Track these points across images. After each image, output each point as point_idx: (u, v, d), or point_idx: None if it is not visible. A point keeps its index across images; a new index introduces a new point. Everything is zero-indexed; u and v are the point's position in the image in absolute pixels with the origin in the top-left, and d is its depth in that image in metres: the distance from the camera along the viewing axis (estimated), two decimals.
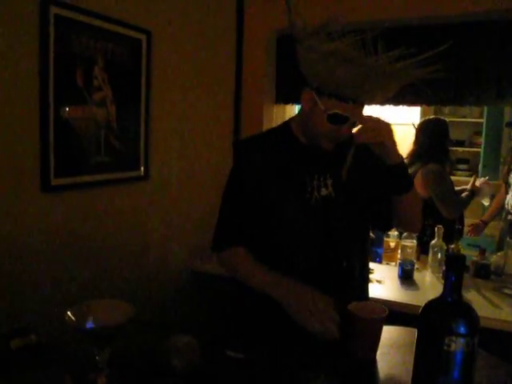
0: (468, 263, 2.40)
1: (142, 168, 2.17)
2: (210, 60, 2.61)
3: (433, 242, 2.39)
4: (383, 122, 1.25)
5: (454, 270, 0.91)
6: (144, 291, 2.20)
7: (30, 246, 1.67)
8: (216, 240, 1.42)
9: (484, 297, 2.11)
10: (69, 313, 0.98)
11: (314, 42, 1.20)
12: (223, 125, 2.81)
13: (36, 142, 1.67)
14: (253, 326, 1.39)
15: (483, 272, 2.31)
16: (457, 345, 0.88)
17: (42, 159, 1.69)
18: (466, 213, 3.13)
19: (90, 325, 1.02)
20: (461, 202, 2.84)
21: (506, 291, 2.15)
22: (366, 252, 1.50)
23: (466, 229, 3.17)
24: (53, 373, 0.91)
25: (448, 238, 2.44)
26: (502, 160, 4.60)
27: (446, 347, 0.88)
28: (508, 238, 2.31)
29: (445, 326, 0.90)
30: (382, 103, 2.33)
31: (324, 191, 1.33)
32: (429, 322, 0.93)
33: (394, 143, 1.27)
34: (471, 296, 2.10)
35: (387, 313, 1.17)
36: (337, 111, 1.22)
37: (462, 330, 0.89)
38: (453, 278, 0.92)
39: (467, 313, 0.92)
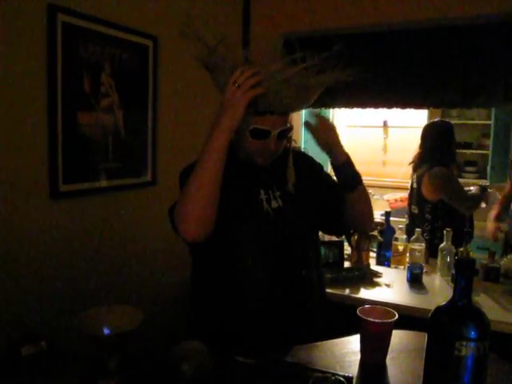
0: (477, 266, 2.38)
1: (150, 173, 2.18)
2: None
3: (442, 245, 2.38)
4: (328, 122, 1.34)
5: (463, 274, 0.90)
6: (153, 297, 2.20)
7: (39, 253, 1.68)
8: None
9: (494, 300, 2.09)
10: (78, 319, 0.99)
11: (221, 61, 1.25)
12: None
13: (44, 148, 1.69)
14: (261, 331, 1.38)
15: (493, 275, 2.29)
16: (467, 349, 0.88)
17: (51, 166, 1.70)
18: (475, 216, 3.11)
19: (100, 331, 1.02)
20: (475, 197, 2.83)
21: None
22: (319, 257, 1.49)
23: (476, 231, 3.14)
24: (63, 379, 0.92)
25: (457, 241, 2.42)
26: (510, 162, 4.56)
27: (456, 352, 0.88)
28: None
29: (455, 330, 0.89)
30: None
31: (274, 203, 1.32)
32: (439, 327, 0.93)
33: (338, 142, 1.32)
34: (481, 299, 2.08)
35: (396, 317, 1.16)
36: (256, 126, 1.23)
37: (473, 334, 0.88)
38: (463, 282, 0.91)
39: (477, 317, 0.91)
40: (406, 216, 3.01)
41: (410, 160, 2.94)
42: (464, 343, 0.88)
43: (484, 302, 2.06)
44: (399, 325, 1.21)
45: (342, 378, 1.03)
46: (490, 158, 4.59)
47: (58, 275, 1.75)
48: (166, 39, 2.21)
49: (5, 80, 1.57)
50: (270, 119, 1.23)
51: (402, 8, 2.48)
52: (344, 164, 1.33)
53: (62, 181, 1.74)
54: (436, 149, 2.76)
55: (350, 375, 1.08)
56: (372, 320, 1.14)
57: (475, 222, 3.10)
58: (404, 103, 2.71)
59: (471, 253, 2.36)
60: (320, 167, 1.50)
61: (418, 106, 2.74)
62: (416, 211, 2.84)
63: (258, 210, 1.30)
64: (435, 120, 3.01)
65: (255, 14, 2.85)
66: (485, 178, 4.77)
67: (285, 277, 1.33)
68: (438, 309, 0.95)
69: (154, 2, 2.14)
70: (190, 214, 1.17)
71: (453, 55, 2.46)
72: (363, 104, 2.84)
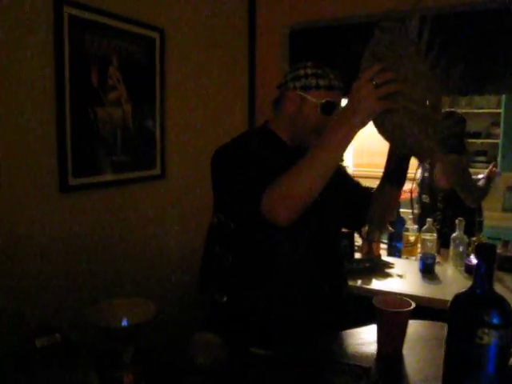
0: None
1: (159, 167, 2.16)
2: (223, 56, 2.59)
3: (454, 234, 2.35)
4: None
5: (484, 259, 0.88)
6: (163, 291, 2.20)
7: (49, 247, 1.68)
8: (251, 199, 1.21)
9: (509, 289, 2.06)
10: (90, 311, 0.98)
11: None
12: (238, 122, 2.79)
13: (53, 142, 1.68)
14: (275, 323, 1.37)
15: (508, 265, 2.27)
16: (490, 337, 0.85)
17: (60, 159, 1.69)
18: (484, 204, 3.08)
19: (114, 322, 1.01)
20: (482, 188, 2.80)
21: None
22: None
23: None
24: (79, 371, 0.91)
25: (468, 231, 2.40)
26: None
27: (478, 340, 0.85)
28: None
29: (476, 317, 0.87)
30: None
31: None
32: (459, 315, 0.91)
33: None
34: (497, 289, 2.05)
35: (413, 306, 1.14)
36: (328, 99, 1.31)
37: (495, 320, 0.86)
38: (483, 268, 0.89)
39: (499, 303, 0.89)
40: (417, 206, 2.98)
41: None
42: (486, 330, 0.85)
43: (500, 292, 2.03)
44: (414, 315, 1.20)
45: (358, 370, 1.02)
46: (500, 146, 4.54)
47: (68, 269, 1.75)
48: (172, 31, 2.19)
49: (13, 74, 1.56)
50: (337, 94, 1.33)
51: None
52: (404, 157, 1.31)
53: (71, 174, 1.73)
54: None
55: (368, 366, 1.06)
56: (389, 309, 1.12)
57: (485, 213, 3.07)
58: None
59: (483, 241, 2.33)
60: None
61: None
62: (427, 200, 2.81)
63: None
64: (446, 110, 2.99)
65: (261, 4, 2.82)
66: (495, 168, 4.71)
67: (322, 256, 1.40)
68: (458, 296, 0.93)
69: None
70: (294, 202, 1.13)
71: (463, 41, 2.42)
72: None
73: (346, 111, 1.07)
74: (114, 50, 1.89)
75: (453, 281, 2.20)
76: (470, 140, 4.47)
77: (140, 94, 2.04)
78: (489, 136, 4.68)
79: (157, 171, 2.16)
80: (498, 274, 2.25)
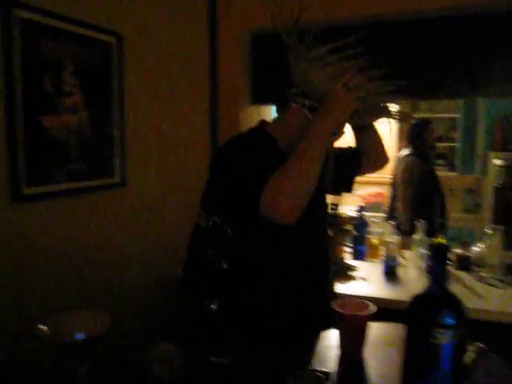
0: (452, 257, 2.41)
1: (119, 174, 2.11)
2: (184, 62, 2.57)
3: (415, 236, 2.39)
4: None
5: (437, 260, 0.89)
6: (127, 300, 2.14)
7: (1, 258, 1.61)
8: (251, 198, 1.23)
9: (468, 288, 2.11)
10: (41, 326, 0.94)
11: (302, 48, 1.27)
12: (200, 128, 2.77)
13: (4, 150, 1.61)
14: (237, 331, 1.35)
15: (466, 264, 2.32)
16: (445, 337, 0.86)
17: (12, 168, 1.63)
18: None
19: (67, 336, 0.97)
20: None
21: (491, 281, 2.16)
22: None
23: None
24: None
25: (431, 233, 2.44)
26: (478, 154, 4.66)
27: (433, 340, 0.86)
28: (491, 228, 2.31)
29: (431, 318, 0.88)
30: None
31: None
32: (416, 315, 0.91)
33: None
34: (456, 289, 2.09)
35: (373, 309, 1.15)
36: None
37: (449, 321, 0.87)
38: (437, 268, 0.90)
39: (453, 304, 0.90)
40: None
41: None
42: (440, 331, 0.86)
43: (459, 290, 2.07)
44: (377, 317, 1.20)
45: (320, 374, 1.01)
46: (458, 150, 4.67)
47: (20, 281, 1.68)
48: (130, 37, 2.14)
49: None
50: None
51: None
52: None
53: (24, 183, 1.66)
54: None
55: (329, 370, 1.06)
56: (348, 313, 1.12)
57: (451, 214, 3.16)
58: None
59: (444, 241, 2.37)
60: None
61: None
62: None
63: None
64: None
65: (222, 9, 2.81)
66: (454, 171, 4.85)
67: (313, 246, 1.43)
68: (415, 297, 0.94)
69: None
70: (296, 202, 1.17)
71: (421, 47, 2.48)
72: None
73: (327, 109, 1.21)
74: (69, 55, 1.83)
75: (415, 282, 2.23)
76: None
77: (97, 100, 1.99)
78: (448, 140, 4.81)
79: (116, 179, 2.11)
80: (459, 273, 2.30)
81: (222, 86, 2.83)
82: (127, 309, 2.14)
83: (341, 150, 1.63)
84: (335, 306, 1.16)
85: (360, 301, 1.20)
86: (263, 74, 2.93)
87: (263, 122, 1.46)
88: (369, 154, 1.63)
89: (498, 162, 4.12)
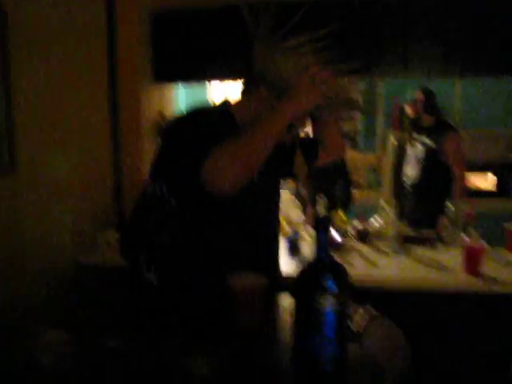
0: (351, 231, 2.54)
1: (7, 158, 1.96)
2: (79, 42, 2.43)
3: (314, 211, 2.48)
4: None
5: (319, 230, 0.93)
6: (25, 289, 2.02)
7: None
8: (193, 167, 1.22)
9: (366, 258, 2.24)
10: None
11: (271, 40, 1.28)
12: (99, 110, 2.66)
13: None
14: (137, 315, 1.33)
15: (364, 236, 2.46)
16: (328, 302, 0.90)
17: None
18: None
19: None
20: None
21: (383, 249, 2.32)
22: None
23: None
24: None
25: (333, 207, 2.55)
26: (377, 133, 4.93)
27: (317, 305, 0.90)
28: (384, 202, 2.47)
29: (314, 285, 0.91)
30: None
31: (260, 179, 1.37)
32: (301, 283, 0.95)
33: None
34: (355, 259, 2.23)
35: (265, 282, 1.17)
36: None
37: (332, 287, 0.91)
38: (320, 239, 0.94)
39: (336, 271, 0.94)
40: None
41: None
42: (324, 296, 0.90)
43: (355, 260, 2.21)
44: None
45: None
46: (360, 130, 4.91)
47: None
48: (18, 15, 1.97)
49: None
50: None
51: None
52: None
53: None
54: None
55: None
56: (236, 287, 1.14)
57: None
58: None
59: (343, 217, 2.50)
60: None
61: None
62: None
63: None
64: None
65: None
66: (357, 149, 5.09)
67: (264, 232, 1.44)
68: (303, 266, 0.97)
69: None
70: (237, 175, 1.19)
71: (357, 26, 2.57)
72: None
73: (290, 98, 1.24)
74: None
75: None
76: None
77: None
78: (350, 120, 5.03)
79: (3, 163, 1.96)
80: (358, 245, 2.44)
81: (121, 66, 2.73)
82: (27, 297, 2.02)
83: (299, 138, 1.64)
84: (231, 281, 1.17)
85: (254, 275, 1.21)
86: (166, 52, 2.87)
87: (226, 102, 1.45)
88: (325, 144, 1.62)
89: (394, 141, 4.38)
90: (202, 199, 1.25)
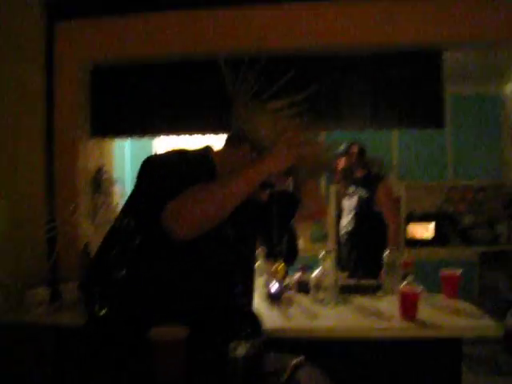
0: (292, 282, 2.53)
1: None
2: (16, 94, 2.41)
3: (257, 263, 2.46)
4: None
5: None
6: None
7: None
8: (159, 203, 1.23)
9: (304, 309, 2.22)
10: None
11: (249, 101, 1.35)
12: (34, 164, 2.59)
13: None
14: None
15: (304, 287, 2.45)
16: (241, 349, 0.88)
17: None
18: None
19: None
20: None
21: (324, 302, 2.30)
22: None
23: None
24: None
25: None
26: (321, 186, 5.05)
27: (231, 352, 0.88)
28: (324, 254, 2.46)
29: (228, 331, 0.89)
30: None
31: (231, 230, 1.40)
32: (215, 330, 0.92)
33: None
34: (294, 310, 2.20)
35: (183, 335, 1.12)
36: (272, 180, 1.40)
37: (245, 334, 0.89)
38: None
39: (250, 318, 0.93)
40: None
41: None
42: (237, 343, 0.88)
43: (296, 312, 2.18)
44: None
45: None
46: None
47: None
48: None
49: None
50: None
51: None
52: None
53: None
54: None
55: None
56: (159, 339, 1.09)
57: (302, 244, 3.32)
58: None
59: (283, 268, 2.49)
60: None
61: None
62: None
63: (221, 231, 1.34)
64: None
65: (59, 37, 2.71)
66: None
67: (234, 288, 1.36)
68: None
69: None
70: (195, 221, 1.21)
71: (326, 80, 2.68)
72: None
73: (265, 159, 1.29)
74: None
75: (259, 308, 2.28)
76: None
77: None
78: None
79: None
80: (297, 296, 2.42)
81: (58, 119, 2.71)
82: None
83: (280, 193, 1.67)
84: (152, 334, 1.12)
85: (177, 328, 1.17)
86: (104, 106, 2.88)
87: (208, 148, 1.48)
88: (304, 204, 1.68)
89: (335, 193, 4.50)
90: (164, 240, 1.23)
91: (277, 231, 1.69)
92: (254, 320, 0.93)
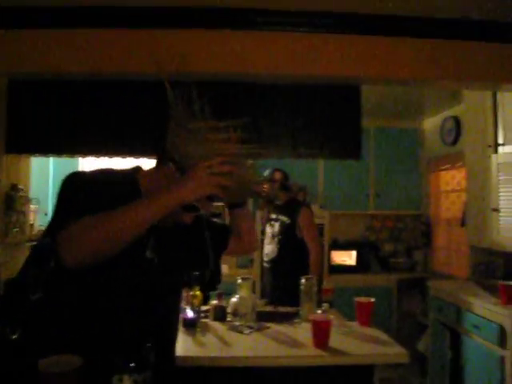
0: (209, 309, 2.49)
1: None
2: None
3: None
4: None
5: None
6: None
7: None
8: (61, 224, 1.16)
9: (219, 337, 2.18)
10: None
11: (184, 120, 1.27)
12: None
13: None
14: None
15: (221, 314, 2.41)
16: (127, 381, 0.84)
17: None
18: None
19: None
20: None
21: (240, 329, 2.27)
22: None
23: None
24: None
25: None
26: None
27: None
28: (240, 281, 2.44)
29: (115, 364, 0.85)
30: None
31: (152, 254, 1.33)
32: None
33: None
34: (208, 338, 2.15)
35: (77, 367, 1.05)
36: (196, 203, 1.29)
37: (130, 366, 0.85)
38: None
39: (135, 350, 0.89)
40: None
41: None
42: (122, 376, 0.83)
43: (210, 340, 2.13)
44: None
45: None
46: None
47: None
48: None
49: None
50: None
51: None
52: None
53: None
54: None
55: None
56: (46, 371, 1.02)
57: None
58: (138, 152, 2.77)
59: (200, 295, 2.44)
60: None
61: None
62: None
63: (139, 252, 1.28)
64: None
65: None
66: None
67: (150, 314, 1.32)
68: None
69: None
70: (90, 248, 1.12)
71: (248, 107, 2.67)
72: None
73: (181, 183, 1.21)
74: None
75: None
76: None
77: None
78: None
79: None
80: (213, 324, 2.37)
81: None
82: None
83: (213, 224, 1.62)
84: (40, 365, 1.04)
85: (69, 359, 1.09)
86: (21, 122, 2.74)
87: (137, 167, 1.41)
88: (236, 235, 1.63)
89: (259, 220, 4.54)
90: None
91: (202, 261, 1.64)
92: (147, 352, 0.88)
